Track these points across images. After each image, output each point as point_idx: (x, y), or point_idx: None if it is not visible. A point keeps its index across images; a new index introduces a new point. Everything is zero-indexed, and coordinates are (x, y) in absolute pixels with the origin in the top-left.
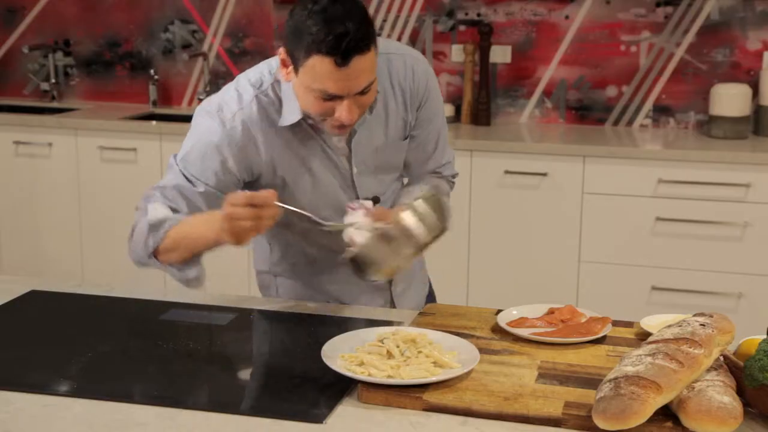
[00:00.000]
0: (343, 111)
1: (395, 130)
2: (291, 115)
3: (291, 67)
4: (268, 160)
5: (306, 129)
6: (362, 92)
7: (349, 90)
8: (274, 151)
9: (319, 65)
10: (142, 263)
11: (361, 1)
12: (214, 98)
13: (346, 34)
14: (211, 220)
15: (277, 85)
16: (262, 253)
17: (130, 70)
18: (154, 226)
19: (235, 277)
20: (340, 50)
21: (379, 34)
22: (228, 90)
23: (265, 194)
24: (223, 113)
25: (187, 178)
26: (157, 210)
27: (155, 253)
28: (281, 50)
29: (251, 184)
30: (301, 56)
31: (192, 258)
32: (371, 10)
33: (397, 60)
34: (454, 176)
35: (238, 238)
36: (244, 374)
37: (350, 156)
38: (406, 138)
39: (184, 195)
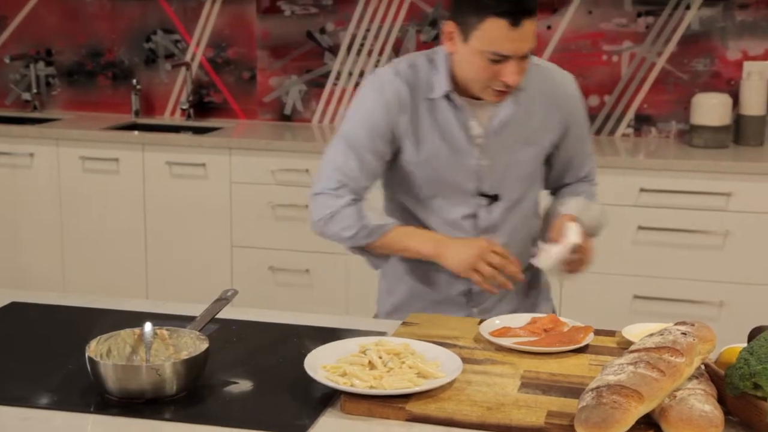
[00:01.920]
0: (511, 72)
1: (531, 136)
2: (438, 89)
3: (456, 39)
4: (411, 128)
5: (450, 107)
6: (524, 57)
7: (518, 51)
8: (414, 121)
9: (494, 27)
10: (329, 238)
11: None
12: (372, 75)
13: (517, 1)
14: (433, 239)
15: (425, 64)
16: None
17: (113, 80)
18: (373, 231)
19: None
20: (514, 12)
21: (362, 44)
22: (388, 65)
23: (514, 259)
24: (382, 78)
25: (354, 147)
26: (374, 216)
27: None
28: (447, 23)
29: (391, 147)
30: (474, 21)
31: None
32: (354, 19)
33: (548, 72)
34: (594, 179)
35: (474, 274)
36: (227, 386)
37: (484, 144)
38: (539, 149)
39: (357, 168)
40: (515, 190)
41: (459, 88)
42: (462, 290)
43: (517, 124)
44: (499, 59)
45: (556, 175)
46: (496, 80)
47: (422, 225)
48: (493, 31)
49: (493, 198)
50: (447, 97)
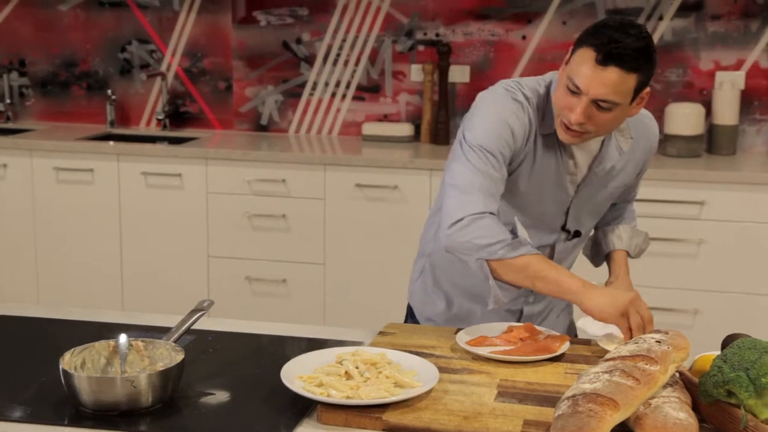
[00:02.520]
0: (576, 109)
1: (625, 176)
2: (551, 125)
3: (567, 61)
4: (525, 151)
5: (552, 145)
6: (600, 105)
7: (589, 89)
8: (529, 148)
9: (583, 55)
10: (458, 253)
11: (653, 45)
12: (501, 87)
13: (618, 42)
14: (577, 278)
15: (544, 97)
16: (430, 234)
17: (87, 90)
18: (516, 243)
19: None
20: (605, 51)
21: (339, 54)
22: (509, 84)
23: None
24: (513, 96)
25: (491, 159)
26: (522, 230)
27: (492, 261)
28: (570, 51)
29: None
30: (577, 47)
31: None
32: (330, 30)
33: (644, 118)
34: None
35: (623, 320)
36: (203, 397)
37: (580, 186)
38: (621, 189)
39: (494, 178)
40: (590, 226)
41: None
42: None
43: (614, 170)
44: (575, 90)
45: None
46: (566, 112)
47: None
48: (580, 59)
49: (576, 234)
50: (555, 133)
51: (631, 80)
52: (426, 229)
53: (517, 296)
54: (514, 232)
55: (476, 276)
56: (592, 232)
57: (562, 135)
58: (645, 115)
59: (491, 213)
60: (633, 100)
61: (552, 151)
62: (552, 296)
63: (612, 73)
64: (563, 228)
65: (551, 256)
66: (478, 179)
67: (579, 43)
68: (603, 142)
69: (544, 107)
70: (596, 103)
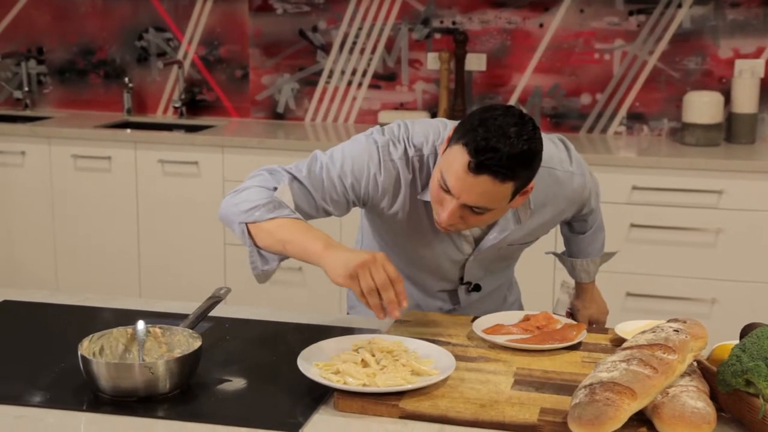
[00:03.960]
0: (446, 210)
1: (530, 236)
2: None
3: (446, 146)
4: (396, 210)
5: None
6: (474, 210)
7: (460, 196)
8: (404, 209)
9: (456, 154)
10: (227, 222)
11: (539, 147)
12: (386, 132)
13: (494, 151)
14: (323, 237)
15: (431, 159)
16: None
17: (104, 78)
18: (273, 204)
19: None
20: (478, 159)
21: (355, 42)
22: (398, 133)
23: (402, 285)
24: (387, 150)
25: (322, 179)
26: (285, 193)
27: (250, 225)
28: (452, 128)
29: (364, 206)
30: (454, 138)
31: (275, 253)
32: (347, 18)
33: (569, 184)
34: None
35: (352, 282)
36: (220, 384)
37: (475, 248)
38: (534, 241)
39: (311, 190)
40: (498, 278)
41: None
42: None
43: (507, 233)
44: (446, 189)
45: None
46: (437, 207)
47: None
48: (454, 159)
49: (475, 288)
50: None
51: (506, 188)
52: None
53: (276, 267)
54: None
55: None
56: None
57: (437, 225)
58: (558, 179)
59: (262, 187)
60: (512, 199)
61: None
62: (300, 259)
63: (485, 183)
64: (462, 281)
65: (456, 303)
66: (286, 167)
67: (456, 136)
68: None
69: (428, 171)
70: (468, 207)
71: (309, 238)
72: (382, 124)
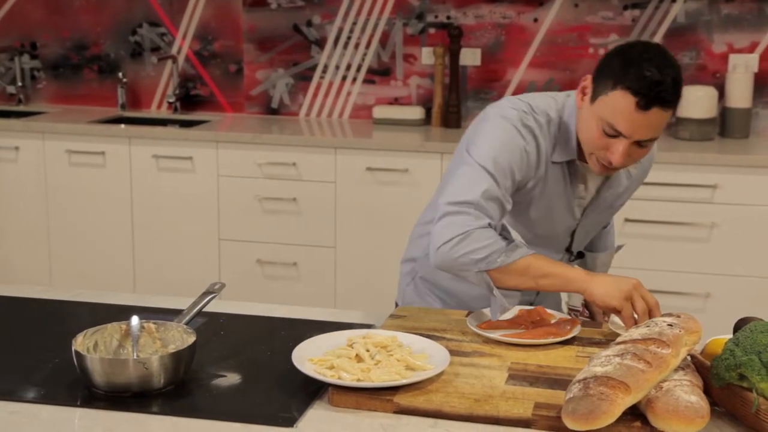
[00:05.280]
0: (617, 152)
1: (624, 197)
2: (565, 154)
3: (589, 95)
4: (536, 179)
5: (564, 171)
6: (642, 144)
7: (634, 134)
8: (539, 176)
9: (620, 100)
10: (454, 270)
11: (679, 66)
12: (507, 108)
13: (660, 84)
14: (575, 268)
15: (556, 123)
16: (420, 244)
17: (98, 73)
18: (512, 247)
19: (205, 282)
20: (648, 95)
21: (349, 37)
22: (520, 105)
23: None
24: (524, 123)
25: (494, 179)
26: (513, 233)
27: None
28: (586, 77)
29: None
30: (607, 86)
31: (521, 290)
32: (341, 12)
33: (654, 148)
34: None
35: (627, 303)
36: (214, 379)
37: (587, 209)
38: (621, 206)
39: (495, 197)
40: (587, 244)
41: (580, 152)
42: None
43: (621, 189)
44: (614, 134)
45: None
46: (603, 152)
47: None
48: (618, 104)
49: (578, 256)
50: (568, 161)
51: (669, 114)
52: (416, 233)
53: (520, 299)
54: (504, 236)
55: (472, 287)
56: None
57: (599, 170)
58: None
59: (489, 224)
60: None
61: (562, 177)
62: (558, 290)
63: (655, 115)
64: (568, 249)
65: (538, 291)
66: (475, 196)
67: (610, 82)
68: None
69: (555, 135)
70: (638, 142)
71: (565, 270)
72: (376, 120)
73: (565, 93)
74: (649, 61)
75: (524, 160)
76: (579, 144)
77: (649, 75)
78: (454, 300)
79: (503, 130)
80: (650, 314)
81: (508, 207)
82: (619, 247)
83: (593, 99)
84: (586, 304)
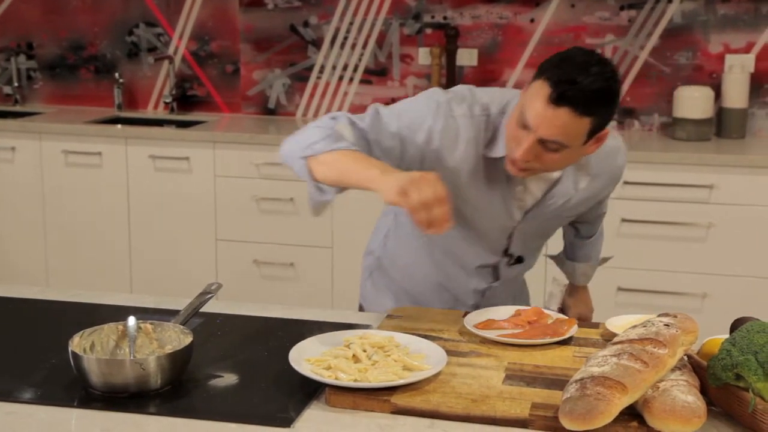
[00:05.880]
0: (521, 146)
1: (578, 207)
2: (499, 150)
3: (527, 87)
4: (452, 168)
5: (501, 169)
6: (549, 146)
7: (538, 128)
8: (462, 167)
9: (538, 89)
10: (289, 160)
11: (618, 88)
12: (449, 91)
13: (575, 82)
14: (381, 165)
15: (498, 119)
16: (378, 236)
17: (95, 74)
18: (333, 137)
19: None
20: (559, 90)
21: (346, 37)
22: (462, 92)
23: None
24: (449, 107)
25: (375, 120)
26: (345, 129)
27: (310, 158)
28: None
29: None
30: (537, 76)
31: (332, 185)
32: (338, 13)
33: (619, 160)
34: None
35: (402, 198)
36: (211, 379)
37: (528, 212)
38: (572, 218)
39: (368, 140)
40: (536, 253)
41: None
42: (476, 288)
43: (568, 204)
44: (524, 125)
45: (582, 219)
46: (513, 145)
47: (428, 247)
48: (535, 92)
49: (518, 260)
50: (503, 158)
51: (584, 124)
52: (376, 228)
53: (332, 198)
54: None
55: (421, 280)
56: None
57: (509, 167)
58: (612, 149)
59: (318, 126)
60: (587, 141)
61: (499, 175)
62: (360, 188)
63: (564, 115)
64: (506, 252)
65: (496, 277)
66: (341, 114)
67: (539, 73)
68: (562, 173)
69: (494, 130)
70: (543, 142)
71: (367, 166)
72: None
73: (516, 92)
74: (578, 64)
75: (425, 137)
76: None
77: (569, 71)
78: (408, 297)
79: (422, 104)
80: (430, 208)
81: (373, 148)
82: (605, 260)
83: (526, 89)
84: (562, 309)
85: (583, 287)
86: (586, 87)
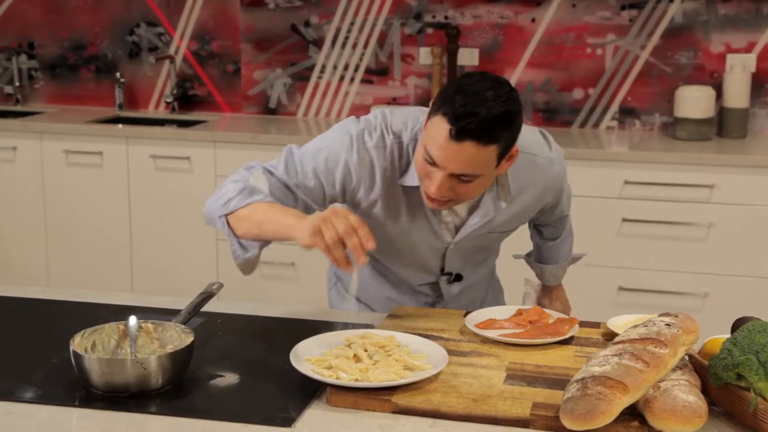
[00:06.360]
0: (434, 182)
1: (510, 224)
2: (413, 179)
3: (426, 120)
4: (373, 200)
5: (420, 194)
6: (461, 179)
7: (446, 165)
8: (382, 198)
9: (436, 125)
10: (211, 220)
11: (517, 107)
12: (362, 121)
13: (473, 115)
14: (295, 213)
15: (411, 145)
16: None
17: (96, 73)
18: (247, 191)
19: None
20: (458, 125)
21: (347, 37)
22: (374, 121)
23: (366, 230)
24: (361, 139)
25: (296, 171)
26: (259, 180)
27: (229, 216)
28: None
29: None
30: (432, 110)
31: (255, 240)
32: (339, 12)
33: (533, 158)
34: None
35: (316, 238)
36: (212, 379)
37: (457, 232)
38: (512, 231)
39: (288, 183)
40: (478, 270)
41: None
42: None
43: (494, 221)
44: (431, 162)
45: (541, 224)
46: (426, 181)
47: (373, 265)
48: (435, 129)
49: (457, 278)
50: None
51: (491, 151)
52: None
53: (256, 254)
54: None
55: (376, 293)
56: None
57: (427, 202)
58: (543, 163)
59: (234, 181)
60: (499, 164)
61: (421, 201)
62: (280, 239)
63: (468, 148)
64: (443, 272)
65: (439, 295)
66: (257, 163)
67: (435, 108)
68: (482, 196)
69: (407, 157)
70: (455, 176)
71: (283, 215)
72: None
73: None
74: (472, 94)
75: (343, 172)
76: None
77: (464, 105)
78: (367, 307)
79: (336, 139)
80: (345, 240)
81: (296, 193)
82: (576, 258)
83: (426, 123)
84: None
85: (558, 287)
86: (484, 117)
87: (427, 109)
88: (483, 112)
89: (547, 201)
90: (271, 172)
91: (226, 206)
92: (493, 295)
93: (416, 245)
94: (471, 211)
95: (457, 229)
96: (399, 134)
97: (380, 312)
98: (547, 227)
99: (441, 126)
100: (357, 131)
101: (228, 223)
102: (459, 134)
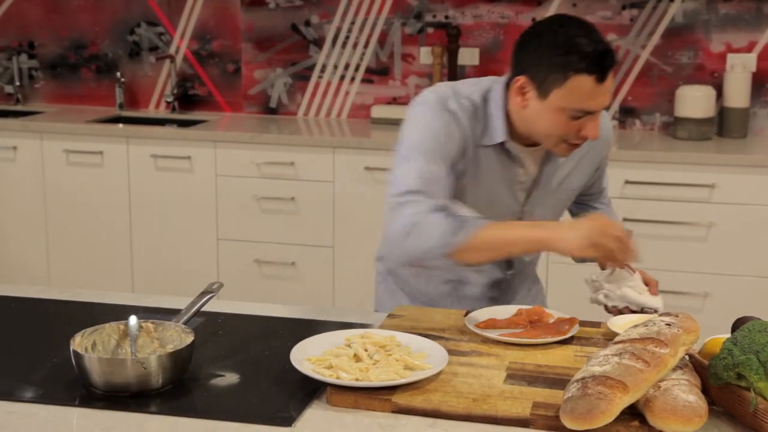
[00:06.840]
0: (594, 127)
1: (575, 178)
2: (495, 136)
3: (530, 94)
4: (463, 163)
5: (499, 154)
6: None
7: (603, 105)
8: (468, 160)
9: (581, 85)
10: (422, 262)
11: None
12: (433, 92)
13: (607, 52)
14: (538, 224)
15: (483, 107)
16: None
17: (96, 73)
18: (458, 221)
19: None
20: (602, 68)
21: (347, 37)
22: (443, 90)
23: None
24: (444, 104)
25: (427, 160)
26: (459, 207)
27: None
28: (519, 78)
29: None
30: (557, 79)
31: (487, 262)
32: (339, 12)
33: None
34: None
35: (596, 249)
36: (213, 378)
37: (530, 192)
38: (575, 190)
39: (434, 179)
40: (529, 263)
41: (514, 135)
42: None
43: (563, 172)
44: (582, 115)
45: (586, 193)
46: (574, 135)
47: None
48: (580, 88)
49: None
50: (500, 144)
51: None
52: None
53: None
54: (455, 212)
55: (435, 279)
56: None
57: (565, 152)
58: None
59: (427, 214)
60: None
61: (498, 161)
62: (525, 253)
63: (610, 80)
64: None
65: (509, 265)
66: (414, 183)
67: (559, 75)
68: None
69: (484, 118)
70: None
71: (527, 232)
72: (374, 119)
73: (489, 78)
74: (582, 37)
75: (449, 140)
76: (513, 132)
77: (592, 50)
78: (424, 297)
79: (424, 114)
80: (625, 254)
81: (450, 182)
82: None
83: (545, 95)
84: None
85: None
86: (610, 50)
87: (487, 78)
88: (605, 46)
89: (604, 153)
90: (430, 181)
91: (449, 245)
92: (539, 295)
93: (494, 209)
94: (542, 164)
95: (530, 190)
96: (470, 97)
97: (438, 302)
98: (591, 200)
99: (585, 81)
100: (435, 99)
101: (452, 257)
102: (604, 75)
